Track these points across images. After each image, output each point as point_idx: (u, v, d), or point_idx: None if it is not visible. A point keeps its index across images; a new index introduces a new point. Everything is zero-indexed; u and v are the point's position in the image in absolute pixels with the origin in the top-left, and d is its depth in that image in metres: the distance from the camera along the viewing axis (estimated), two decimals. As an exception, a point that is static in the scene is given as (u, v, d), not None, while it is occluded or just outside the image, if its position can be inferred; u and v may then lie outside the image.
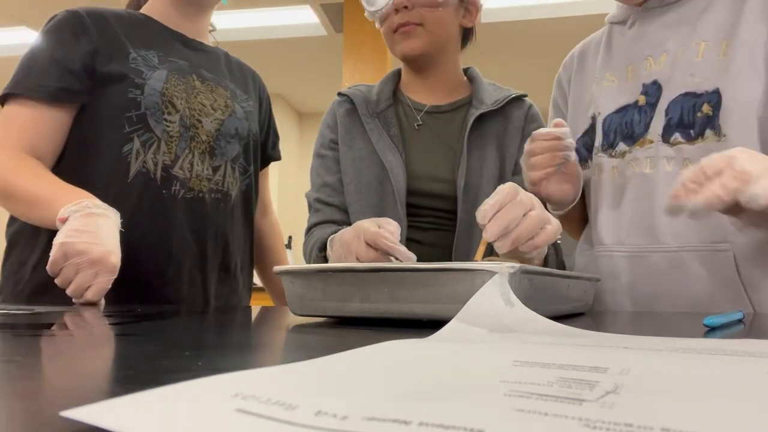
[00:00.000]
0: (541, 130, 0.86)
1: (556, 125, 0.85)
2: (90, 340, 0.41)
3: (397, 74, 1.13)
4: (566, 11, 4.09)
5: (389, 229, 0.73)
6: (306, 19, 4.49)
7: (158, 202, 1.01)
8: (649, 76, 0.90)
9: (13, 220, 1.04)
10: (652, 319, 0.65)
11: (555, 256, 0.95)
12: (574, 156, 0.87)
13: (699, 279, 0.82)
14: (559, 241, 0.95)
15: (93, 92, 1.00)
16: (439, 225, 0.99)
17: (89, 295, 0.79)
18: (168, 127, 1.02)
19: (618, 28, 0.99)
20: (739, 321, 0.56)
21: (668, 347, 0.32)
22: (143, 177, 1.00)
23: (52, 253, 0.79)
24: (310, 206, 1.07)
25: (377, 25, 1.05)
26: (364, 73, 3.94)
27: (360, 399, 0.19)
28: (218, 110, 1.11)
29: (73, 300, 0.81)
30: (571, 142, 0.87)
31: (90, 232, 0.80)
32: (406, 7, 0.97)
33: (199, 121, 1.07)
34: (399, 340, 0.35)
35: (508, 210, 0.63)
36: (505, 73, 5.11)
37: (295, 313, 0.60)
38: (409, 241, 0.97)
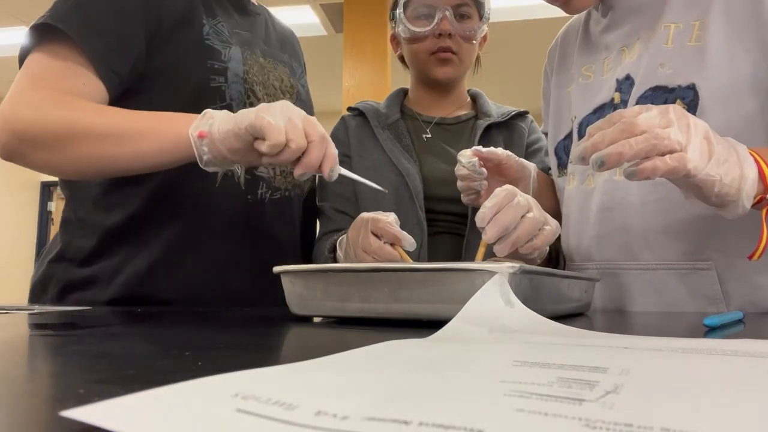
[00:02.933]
0: (462, 154, 0.87)
1: (475, 154, 0.86)
2: (90, 340, 0.41)
3: (402, 92, 1.19)
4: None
5: (390, 219, 0.77)
6: (306, 19, 4.49)
7: (245, 211, 0.90)
8: (623, 69, 0.81)
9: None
10: (652, 319, 0.65)
11: (562, 263, 0.95)
12: (484, 185, 0.88)
13: (680, 299, 0.74)
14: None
15: (157, 78, 0.83)
16: (453, 229, 1.02)
17: (331, 170, 0.69)
18: None
19: (594, 11, 0.89)
20: (739, 321, 0.56)
21: (668, 347, 0.32)
22: (228, 182, 0.88)
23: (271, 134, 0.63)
24: (322, 215, 1.08)
25: (405, 43, 1.09)
26: (364, 74, 3.94)
27: (360, 399, 0.19)
28: (286, 93, 0.99)
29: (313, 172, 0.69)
30: (481, 172, 0.86)
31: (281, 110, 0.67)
32: (450, 35, 1.03)
33: None
34: (399, 340, 0.35)
35: (505, 212, 0.64)
36: (505, 71, 5.11)
37: (295, 313, 0.60)
38: (427, 243, 0.99)
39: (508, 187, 0.66)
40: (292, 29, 1.14)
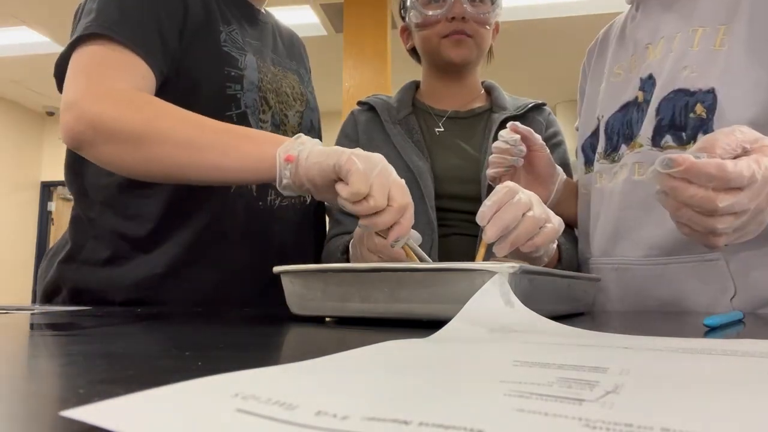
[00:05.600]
0: (503, 133, 0.88)
1: (512, 130, 0.87)
2: (90, 340, 0.41)
3: (414, 85, 1.17)
4: (573, 10, 4.11)
5: None
6: (306, 19, 4.49)
7: (257, 218, 0.91)
8: (646, 68, 0.83)
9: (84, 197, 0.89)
10: (652, 319, 0.65)
11: (574, 254, 0.94)
12: (521, 162, 0.88)
13: (692, 290, 0.76)
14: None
15: (176, 83, 0.83)
16: (465, 229, 0.99)
17: (395, 240, 0.64)
18: (262, 128, 0.91)
19: (632, 10, 0.91)
20: (739, 321, 0.56)
21: (668, 347, 0.32)
22: (242, 189, 0.88)
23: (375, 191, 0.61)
24: (331, 217, 1.07)
25: (416, 30, 1.07)
26: (364, 74, 3.94)
27: (360, 399, 0.19)
28: (297, 100, 1.00)
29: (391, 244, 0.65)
30: (521, 150, 0.87)
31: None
32: (464, 18, 1.02)
33: (285, 116, 0.97)
34: (399, 340, 0.35)
35: (506, 210, 0.62)
36: (510, 71, 5.11)
37: (295, 313, 0.60)
38: (438, 245, 0.97)
39: (509, 183, 0.65)
40: (294, 32, 1.14)
